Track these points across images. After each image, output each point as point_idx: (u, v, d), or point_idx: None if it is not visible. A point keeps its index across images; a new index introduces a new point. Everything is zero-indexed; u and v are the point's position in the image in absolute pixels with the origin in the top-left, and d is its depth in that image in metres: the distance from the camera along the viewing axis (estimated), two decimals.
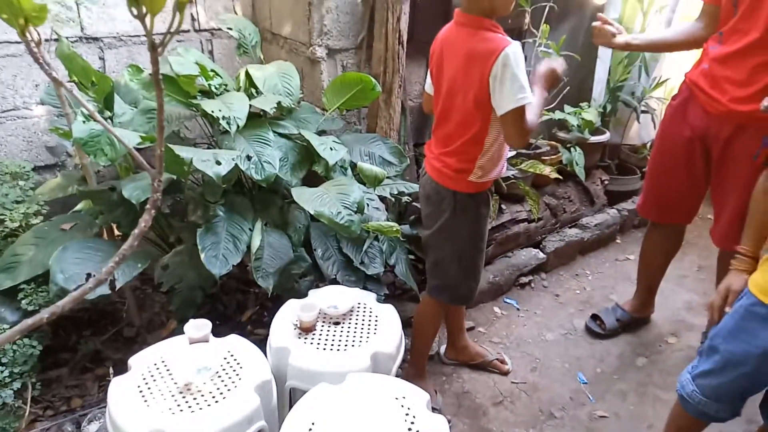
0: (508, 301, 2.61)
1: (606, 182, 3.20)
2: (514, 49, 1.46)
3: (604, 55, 3.12)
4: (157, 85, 0.71)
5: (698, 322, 2.47)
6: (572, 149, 2.90)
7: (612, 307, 2.45)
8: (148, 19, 0.64)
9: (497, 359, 2.19)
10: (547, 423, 1.96)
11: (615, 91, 3.18)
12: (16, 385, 1.68)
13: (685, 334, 2.42)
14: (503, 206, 2.69)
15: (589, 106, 3.06)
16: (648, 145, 3.42)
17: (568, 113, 2.95)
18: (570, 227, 2.99)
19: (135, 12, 0.63)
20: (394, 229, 1.94)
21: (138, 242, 0.86)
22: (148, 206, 0.93)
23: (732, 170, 1.86)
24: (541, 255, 2.77)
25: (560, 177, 2.74)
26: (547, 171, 2.57)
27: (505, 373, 2.17)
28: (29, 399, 1.76)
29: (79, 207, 2.00)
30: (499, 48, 1.46)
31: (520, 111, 1.49)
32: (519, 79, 1.47)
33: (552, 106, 2.94)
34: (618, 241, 3.17)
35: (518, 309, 2.57)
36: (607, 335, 2.37)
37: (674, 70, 3.23)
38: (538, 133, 3.06)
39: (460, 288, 1.84)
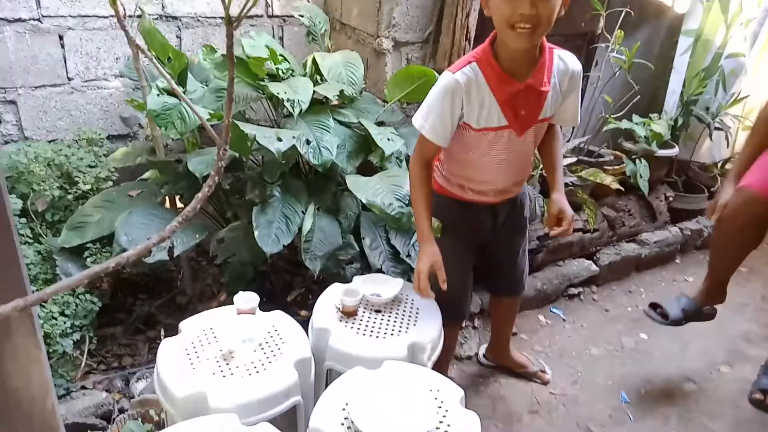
0: (554, 310, 2.55)
1: (670, 199, 3.07)
2: (447, 78, 1.47)
3: (680, 65, 2.99)
4: (230, 58, 0.74)
5: (756, 354, 2.33)
6: (637, 161, 2.80)
7: (677, 297, 2.18)
8: None
9: (538, 369, 2.15)
10: None
11: (689, 104, 3.04)
12: (76, 336, 1.80)
13: (740, 364, 2.29)
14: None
15: (660, 118, 2.95)
16: (719, 164, 3.25)
17: (636, 123, 2.85)
18: (627, 241, 2.89)
19: None
20: (435, 226, 1.91)
21: (197, 212, 0.90)
22: (212, 172, 0.98)
23: None
24: (594, 267, 2.69)
25: (622, 189, 2.65)
26: (609, 181, 2.49)
27: (545, 383, 2.13)
28: (86, 351, 1.87)
29: (146, 176, 2.11)
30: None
31: (420, 136, 1.54)
32: (425, 103, 1.52)
33: (620, 114, 2.85)
34: (677, 261, 3.03)
35: (564, 320, 2.51)
36: (671, 324, 2.12)
37: (756, 87, 3.05)
38: (603, 141, 2.97)
39: (444, 305, 1.72)
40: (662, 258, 2.95)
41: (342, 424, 1.26)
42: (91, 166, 2.09)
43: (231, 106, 0.85)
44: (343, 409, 1.29)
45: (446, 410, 1.31)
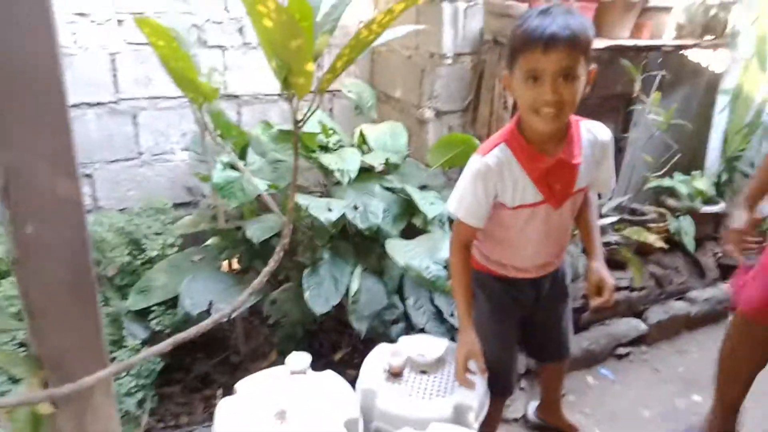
0: (603, 371, 2.52)
1: (719, 255, 3.02)
2: (477, 162, 1.50)
3: (719, 123, 3.01)
4: (296, 154, 0.86)
5: None
6: (681, 218, 2.80)
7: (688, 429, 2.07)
8: (295, 100, 0.80)
9: None
10: None
11: (732, 160, 3.04)
12: (139, 396, 1.91)
13: None
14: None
15: (702, 176, 2.95)
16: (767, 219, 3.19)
17: (679, 181, 2.86)
18: (676, 299, 2.84)
19: (285, 95, 0.79)
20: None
21: (250, 274, 1.01)
22: (278, 249, 1.09)
23: None
24: (643, 326, 2.65)
25: (666, 246, 2.64)
26: (652, 239, 2.50)
27: None
28: (147, 410, 1.98)
29: (208, 242, 2.27)
30: (475, 152, 1.55)
31: (456, 220, 1.58)
32: (458, 188, 1.55)
33: (661, 173, 2.88)
34: (729, 318, 2.94)
35: (613, 381, 2.46)
36: None
37: None
38: (645, 199, 2.99)
39: (490, 380, 1.72)
40: (713, 316, 2.87)
41: None
42: (157, 234, 2.27)
43: (295, 190, 0.97)
44: None
45: None
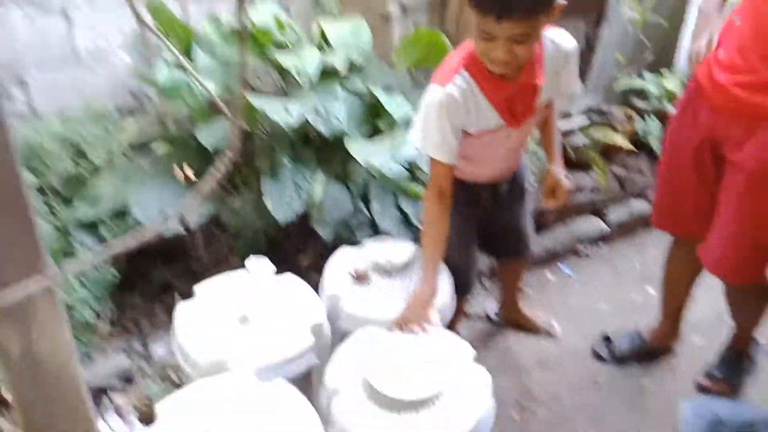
0: (563, 268, 2.58)
1: None
2: (439, 94, 1.40)
3: (692, 20, 2.92)
4: (243, 38, 0.75)
5: None
6: (648, 119, 2.77)
7: (630, 332, 2.14)
8: None
9: (546, 324, 2.20)
10: (591, 389, 1.97)
11: None
12: (95, 305, 1.87)
13: None
14: (568, 173, 2.62)
15: (671, 73, 2.90)
16: None
17: (648, 81, 2.81)
18: (637, 198, 2.89)
19: None
20: None
21: (210, 185, 0.93)
22: (227, 151, 1.00)
23: (733, 179, 1.60)
24: (603, 225, 2.71)
25: (633, 148, 2.63)
26: (619, 141, 2.48)
27: (553, 338, 2.18)
28: (105, 319, 1.95)
29: (156, 149, 2.14)
30: (431, 81, 1.45)
31: (431, 161, 1.49)
32: (421, 122, 1.46)
33: (632, 72, 2.81)
34: None
35: (573, 277, 2.54)
36: (614, 362, 2.09)
37: None
38: (614, 100, 2.94)
39: (453, 277, 1.74)
40: None
41: (355, 381, 1.32)
42: (102, 141, 2.12)
43: (244, 84, 0.87)
44: (357, 367, 1.35)
45: (458, 369, 1.36)
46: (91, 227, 1.94)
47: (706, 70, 1.58)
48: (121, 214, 1.94)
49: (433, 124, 1.43)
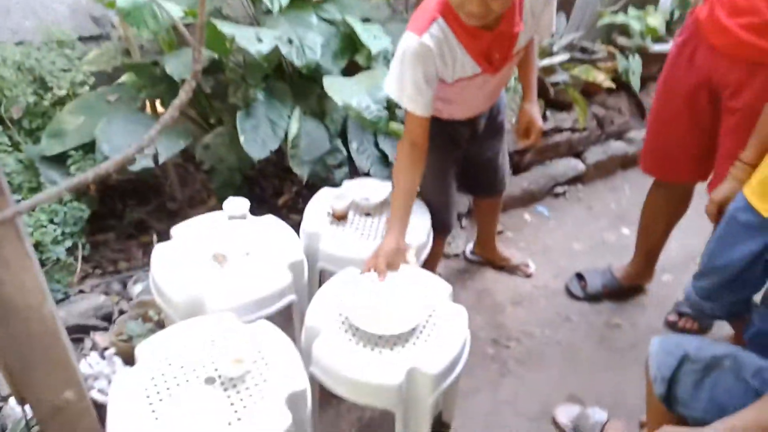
0: (539, 209, 2.61)
1: None
2: (414, 43, 1.33)
3: None
4: None
5: None
6: (630, 57, 2.73)
7: (602, 270, 2.18)
8: None
9: (521, 263, 2.24)
10: (563, 325, 2.03)
11: None
12: (68, 243, 1.82)
13: None
14: (548, 113, 2.60)
15: (656, 10, 2.83)
16: None
17: (632, 17, 2.74)
18: (615, 140, 2.89)
19: None
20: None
21: (178, 117, 0.87)
22: (188, 77, 0.94)
23: (730, 120, 1.59)
24: (581, 166, 2.72)
25: (613, 86, 2.61)
26: (600, 79, 2.44)
27: (528, 276, 2.22)
28: (80, 258, 1.90)
29: (122, 79, 2.03)
30: (407, 27, 1.37)
31: (405, 111, 1.44)
32: (395, 71, 1.40)
33: (616, 8, 2.74)
34: None
35: (549, 218, 2.57)
36: (586, 299, 2.13)
37: None
38: (597, 36, 2.87)
39: (433, 216, 1.74)
40: None
41: (336, 320, 1.33)
42: (64, 70, 2.00)
43: (204, 3, 0.80)
44: (337, 307, 1.35)
45: (435, 305, 1.38)
46: (58, 162, 1.85)
47: (707, 10, 1.53)
48: (88, 147, 1.85)
49: (407, 75, 1.38)
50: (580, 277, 2.19)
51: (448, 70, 1.41)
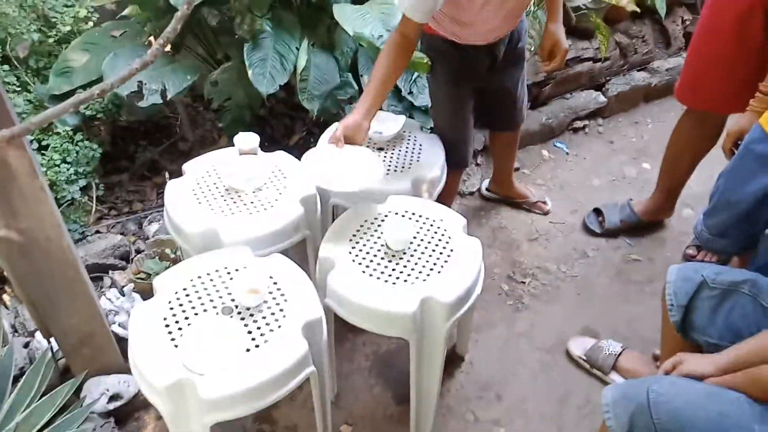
0: (558, 144, 2.54)
1: (687, 22, 2.87)
2: None
3: None
4: None
5: None
6: None
7: (621, 205, 2.12)
8: None
9: (539, 200, 2.20)
10: (579, 261, 2.02)
11: None
12: (81, 183, 1.83)
13: None
14: (569, 41, 2.47)
15: None
16: None
17: None
18: (639, 70, 2.77)
19: None
20: (425, 62, 1.79)
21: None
22: (182, 5, 0.89)
23: None
24: (602, 98, 2.62)
25: (638, 10, 2.46)
26: (624, 2, 2.31)
27: (545, 213, 2.19)
28: (94, 198, 1.91)
29: (126, 12, 1.97)
30: None
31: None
32: None
33: None
34: None
35: (567, 153, 2.50)
36: (604, 235, 2.08)
37: None
38: None
39: (446, 152, 1.69)
40: (672, 86, 2.82)
41: (350, 253, 1.32)
42: (67, 6, 1.95)
43: None
44: (350, 239, 1.35)
45: (450, 236, 1.36)
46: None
47: None
48: (96, 85, 1.82)
49: None
50: (597, 212, 2.14)
51: None
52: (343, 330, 1.45)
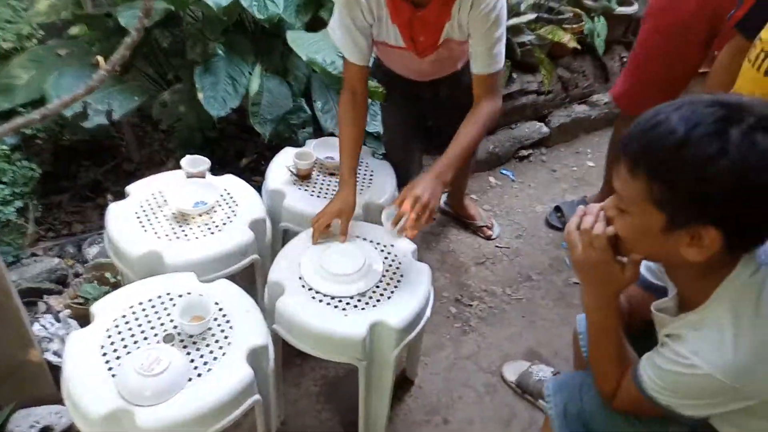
0: (504, 172, 2.63)
1: (624, 59, 3.06)
2: None
3: None
4: None
5: None
6: (596, 19, 2.73)
7: (578, 200, 2.33)
8: None
9: (484, 225, 2.26)
10: (524, 284, 2.08)
11: None
12: (18, 204, 1.75)
13: None
14: (514, 75, 2.59)
15: None
16: None
17: None
18: (579, 103, 2.92)
19: None
20: (380, 90, 1.84)
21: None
22: (135, 26, 0.90)
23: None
24: (545, 129, 2.74)
25: (579, 47, 2.61)
26: (566, 39, 2.44)
27: (488, 238, 2.25)
28: (32, 219, 1.83)
29: (73, 32, 1.92)
30: None
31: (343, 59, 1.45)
32: (334, 13, 1.39)
33: None
34: None
35: (513, 180, 2.59)
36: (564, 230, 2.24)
37: None
38: None
39: (398, 173, 1.73)
40: (611, 119, 2.99)
41: (299, 278, 1.32)
42: (9, 22, 1.89)
43: None
44: (300, 265, 1.34)
45: (399, 263, 1.39)
46: (7, 119, 1.75)
47: None
48: (38, 104, 1.76)
49: (339, 21, 1.38)
50: (557, 209, 2.33)
51: (375, 24, 1.40)
52: (291, 355, 1.43)
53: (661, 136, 0.74)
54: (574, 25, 2.67)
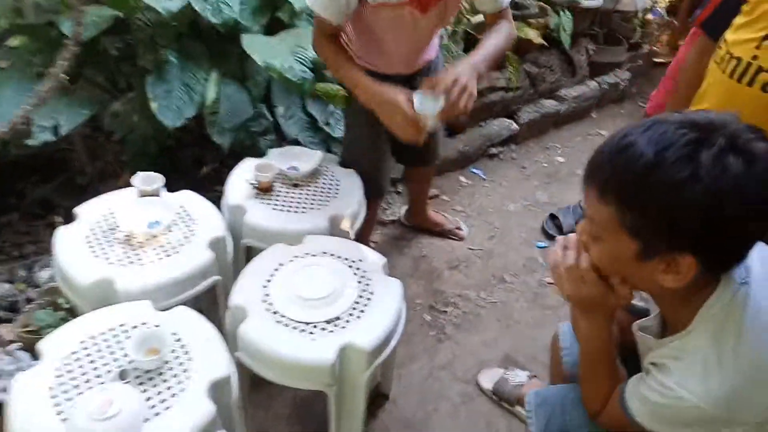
0: (474, 171, 2.59)
1: (591, 52, 3.05)
2: None
3: None
4: None
5: None
6: (562, 13, 2.71)
7: (573, 207, 2.28)
8: None
9: (454, 227, 2.23)
10: (498, 287, 2.05)
11: None
12: None
13: None
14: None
15: None
16: (640, 14, 3.21)
17: None
18: (547, 98, 2.90)
19: None
20: (341, 94, 1.78)
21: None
22: (67, 40, 0.82)
23: None
24: (514, 126, 2.71)
25: (545, 43, 2.58)
26: (532, 35, 2.41)
27: (460, 239, 2.21)
28: None
29: (13, 43, 1.80)
30: None
31: (315, 15, 1.40)
32: None
33: None
34: (593, 115, 3.11)
35: (484, 179, 2.56)
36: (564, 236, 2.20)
37: None
38: None
39: (362, 183, 1.66)
40: (579, 113, 3.00)
41: (263, 300, 1.25)
42: None
43: None
44: (264, 286, 1.28)
45: (369, 279, 1.33)
46: None
47: None
48: None
49: None
50: (553, 217, 2.28)
51: None
52: (258, 378, 1.37)
53: (629, 159, 0.70)
54: (540, 20, 2.64)
